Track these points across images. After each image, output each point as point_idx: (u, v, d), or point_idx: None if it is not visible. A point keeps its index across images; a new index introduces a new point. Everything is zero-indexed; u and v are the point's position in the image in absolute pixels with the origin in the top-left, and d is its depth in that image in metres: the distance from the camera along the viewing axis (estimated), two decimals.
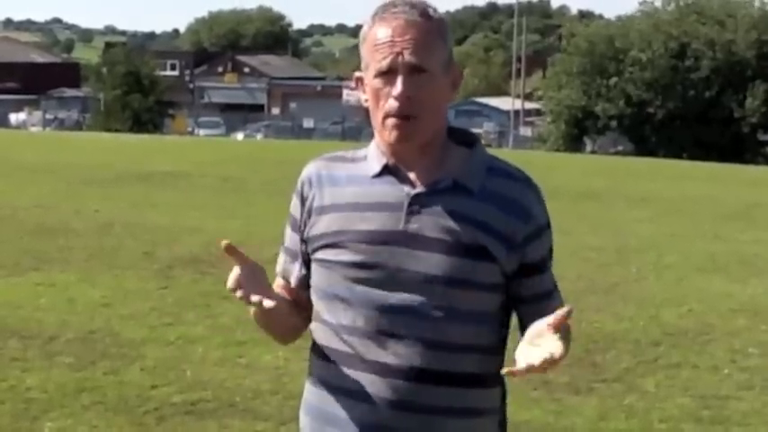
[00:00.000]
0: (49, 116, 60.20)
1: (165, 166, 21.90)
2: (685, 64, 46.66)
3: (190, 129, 59.08)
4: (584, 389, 6.53)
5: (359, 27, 2.48)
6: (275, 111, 73.36)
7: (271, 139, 46.67)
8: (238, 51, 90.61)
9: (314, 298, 2.40)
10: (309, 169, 2.44)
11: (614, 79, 47.22)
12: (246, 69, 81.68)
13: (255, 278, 2.27)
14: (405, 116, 2.28)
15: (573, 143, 48.22)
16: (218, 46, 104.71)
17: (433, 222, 2.30)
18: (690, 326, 8.30)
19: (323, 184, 2.40)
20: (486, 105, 69.03)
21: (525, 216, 2.33)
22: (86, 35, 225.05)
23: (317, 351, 2.41)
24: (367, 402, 2.30)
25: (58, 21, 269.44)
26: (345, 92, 62.93)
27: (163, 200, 16.10)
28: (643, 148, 45.28)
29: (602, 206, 17.83)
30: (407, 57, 2.27)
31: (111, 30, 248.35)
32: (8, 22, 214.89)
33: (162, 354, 6.97)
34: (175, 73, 77.96)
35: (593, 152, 47.02)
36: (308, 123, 59.34)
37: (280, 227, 2.60)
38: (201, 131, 57.43)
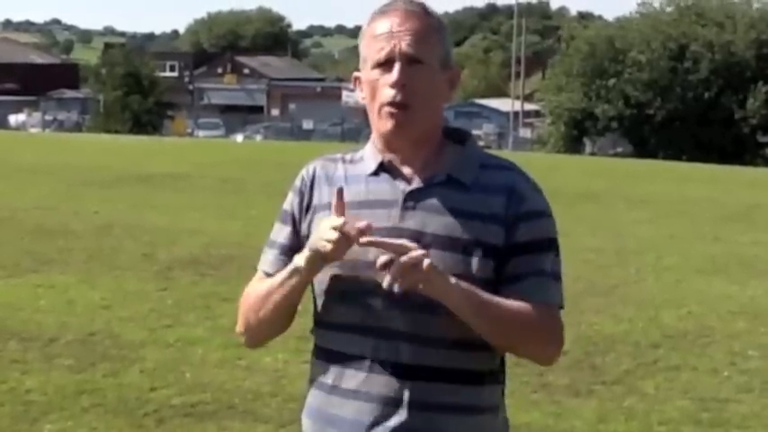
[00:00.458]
0: (48, 117, 60.20)
1: (164, 167, 21.91)
2: (684, 65, 46.66)
3: (189, 130, 59.12)
4: (583, 391, 6.53)
5: (358, 28, 2.52)
6: (275, 112, 73.38)
7: (270, 141, 46.72)
8: (238, 52, 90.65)
9: (314, 297, 2.41)
10: (309, 168, 2.46)
11: (613, 81, 47.22)
12: (246, 70, 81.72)
13: None
14: (400, 104, 2.31)
15: (572, 144, 48.23)
16: (218, 47, 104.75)
17: (427, 218, 2.31)
18: (689, 328, 8.30)
19: (321, 182, 2.42)
20: (485, 107, 69.10)
21: (518, 199, 2.33)
22: (85, 36, 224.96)
23: (317, 352, 2.43)
24: (368, 402, 2.31)
25: (57, 22, 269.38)
26: (345, 93, 62.98)
27: (162, 201, 16.11)
28: (643, 149, 45.27)
29: (602, 208, 17.84)
30: (405, 47, 2.31)
31: (110, 31, 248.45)
32: (7, 23, 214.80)
33: (161, 356, 6.97)
34: (175, 74, 78.00)
35: (592, 153, 47.03)
36: (307, 124, 59.37)
37: None
38: (201, 133, 57.43)
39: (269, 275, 2.41)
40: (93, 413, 5.79)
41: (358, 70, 2.41)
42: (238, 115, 68.15)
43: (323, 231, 2.25)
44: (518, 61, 59.59)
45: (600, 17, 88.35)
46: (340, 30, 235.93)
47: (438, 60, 2.35)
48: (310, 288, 2.39)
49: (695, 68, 46.52)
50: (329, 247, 2.23)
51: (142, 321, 7.87)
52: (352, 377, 2.33)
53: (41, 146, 30.30)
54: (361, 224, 2.23)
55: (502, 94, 74.72)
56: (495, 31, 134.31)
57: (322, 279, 2.35)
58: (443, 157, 2.38)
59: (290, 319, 2.44)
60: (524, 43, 61.54)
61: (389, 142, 2.37)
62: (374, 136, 2.42)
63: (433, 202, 2.32)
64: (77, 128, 57.15)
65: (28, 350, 6.97)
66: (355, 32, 2.51)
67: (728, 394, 6.57)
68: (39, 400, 5.97)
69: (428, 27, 2.34)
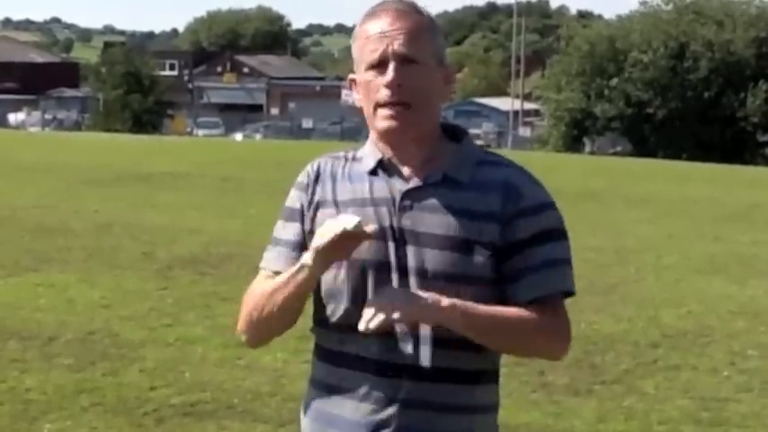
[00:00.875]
0: (47, 116, 60.17)
1: (164, 166, 21.91)
2: (684, 64, 46.64)
3: (189, 129, 59.11)
4: (583, 391, 6.53)
5: None
6: (274, 111, 73.37)
7: (270, 140, 46.69)
8: (237, 51, 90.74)
9: (314, 297, 2.41)
10: (313, 164, 2.47)
11: (614, 80, 47.21)
12: (245, 69, 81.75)
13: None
14: (396, 104, 2.31)
15: (572, 144, 48.21)
16: (217, 46, 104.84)
17: (425, 217, 2.31)
18: (689, 327, 8.30)
19: (325, 179, 2.42)
20: (485, 106, 69.09)
21: (515, 195, 2.32)
22: (85, 35, 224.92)
23: (317, 351, 2.43)
24: (367, 402, 2.31)
25: (56, 20, 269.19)
26: (344, 92, 62.88)
27: (162, 200, 16.10)
28: (642, 148, 45.25)
29: (602, 207, 17.83)
30: (397, 47, 2.31)
31: (109, 29, 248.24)
32: (7, 22, 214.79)
33: (161, 355, 6.97)
34: (174, 73, 78.01)
35: (592, 153, 47.00)
36: (306, 123, 59.37)
37: None
38: (200, 132, 57.44)
39: (277, 273, 2.39)
40: (93, 412, 5.79)
41: (353, 72, 2.41)
42: (238, 114, 68.16)
43: (330, 230, 2.24)
44: (518, 60, 59.63)
45: (599, 16, 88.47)
46: (339, 28, 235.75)
47: (432, 58, 2.34)
48: None
49: (695, 67, 46.50)
50: (336, 246, 2.24)
51: (142, 320, 7.87)
52: (352, 377, 2.33)
53: (41, 145, 30.30)
54: (370, 227, 2.24)
55: (501, 93, 74.73)
56: (495, 29, 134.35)
57: (326, 278, 2.35)
58: (441, 155, 2.37)
59: (295, 317, 2.42)
60: (524, 42, 61.57)
61: (389, 141, 2.37)
62: (373, 134, 2.42)
63: (430, 201, 2.32)
64: (77, 127, 57.16)
65: (27, 349, 6.97)
66: None
67: (728, 394, 6.56)
68: (38, 399, 5.97)
69: (420, 25, 2.34)
